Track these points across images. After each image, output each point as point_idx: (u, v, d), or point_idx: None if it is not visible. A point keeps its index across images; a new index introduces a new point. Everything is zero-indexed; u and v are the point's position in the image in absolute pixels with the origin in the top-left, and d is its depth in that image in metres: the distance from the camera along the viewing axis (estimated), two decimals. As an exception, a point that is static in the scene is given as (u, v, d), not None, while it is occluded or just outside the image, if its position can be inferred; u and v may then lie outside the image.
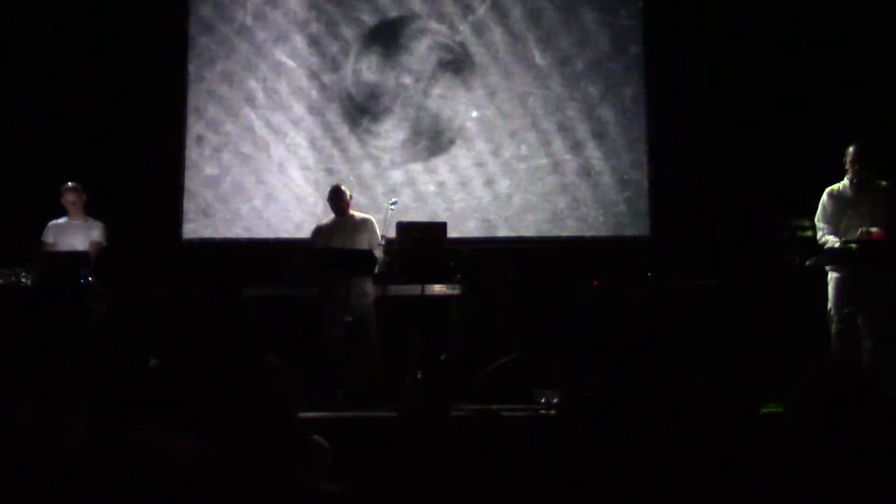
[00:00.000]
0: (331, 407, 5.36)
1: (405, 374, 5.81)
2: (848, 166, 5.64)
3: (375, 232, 6.23)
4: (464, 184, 7.53)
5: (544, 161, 7.51)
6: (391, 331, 6.22)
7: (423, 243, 5.92)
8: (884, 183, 5.62)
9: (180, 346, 5.99)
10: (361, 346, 6.01)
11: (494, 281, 7.02)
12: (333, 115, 7.62)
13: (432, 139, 7.58)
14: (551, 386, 5.26)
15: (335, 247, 6.19)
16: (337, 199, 6.37)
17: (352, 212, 6.43)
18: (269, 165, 7.60)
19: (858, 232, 5.43)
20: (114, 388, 2.71)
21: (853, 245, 5.36)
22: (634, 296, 6.34)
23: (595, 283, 6.58)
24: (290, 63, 7.65)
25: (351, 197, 6.46)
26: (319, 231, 6.47)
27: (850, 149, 5.63)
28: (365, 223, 6.32)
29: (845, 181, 5.69)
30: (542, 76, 7.57)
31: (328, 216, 6.55)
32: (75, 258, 6.07)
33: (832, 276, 5.61)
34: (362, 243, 6.19)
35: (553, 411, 4.89)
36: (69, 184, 6.53)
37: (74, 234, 6.47)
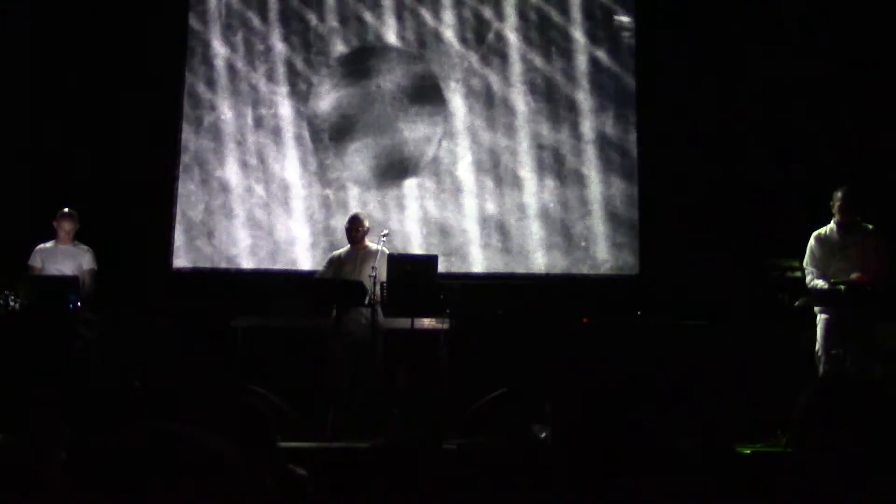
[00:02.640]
0: (318, 437, 5.32)
1: (393, 407, 5.80)
2: (834, 210, 5.72)
3: (384, 263, 6.20)
4: (454, 219, 7.55)
5: (533, 198, 7.55)
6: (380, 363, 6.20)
7: (413, 276, 5.92)
8: (870, 226, 5.69)
9: (167, 375, 5.95)
10: (361, 374, 5.99)
11: (484, 316, 7.02)
12: (320, 148, 7.65)
13: (421, 173, 7.61)
14: (540, 421, 5.24)
15: (345, 275, 6.21)
16: (354, 227, 6.38)
17: (367, 242, 6.43)
18: (259, 197, 7.61)
19: (852, 275, 5.47)
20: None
21: (841, 287, 5.41)
22: (623, 334, 6.34)
23: (585, 320, 6.59)
24: (278, 97, 7.71)
25: (368, 228, 6.46)
26: (332, 260, 6.49)
27: (837, 192, 5.70)
28: (375, 254, 6.29)
29: (832, 224, 5.76)
30: (533, 111, 7.64)
31: (344, 246, 6.55)
32: (64, 283, 6.05)
33: (821, 317, 5.65)
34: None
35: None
36: (66, 210, 6.51)
37: (63, 258, 6.44)
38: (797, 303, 5.63)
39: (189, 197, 7.63)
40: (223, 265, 7.56)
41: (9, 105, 7.42)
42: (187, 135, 7.70)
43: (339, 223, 7.35)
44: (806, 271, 5.80)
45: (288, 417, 5.42)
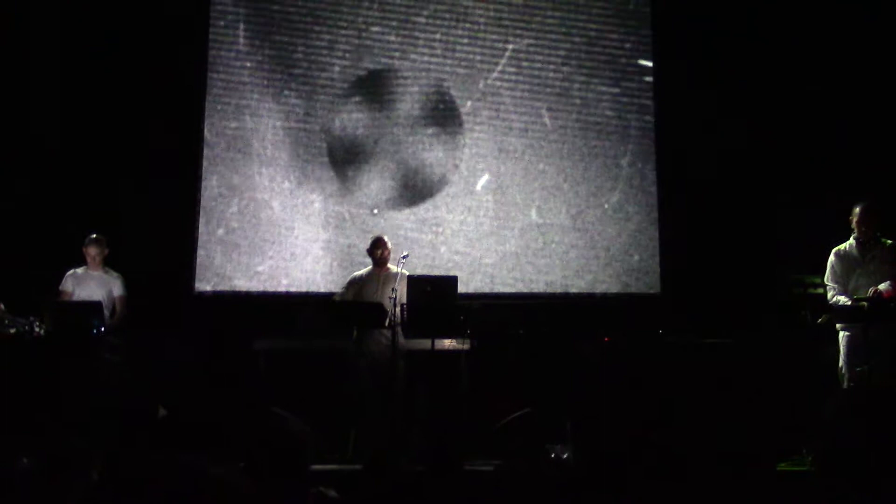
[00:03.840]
0: (340, 459, 5.34)
1: (415, 428, 5.81)
2: (854, 225, 5.71)
3: (404, 285, 6.22)
4: (473, 239, 7.57)
5: (555, 218, 7.56)
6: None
7: (433, 297, 5.93)
8: (889, 242, 5.68)
9: (191, 399, 5.99)
10: (383, 395, 6.01)
11: (504, 336, 7.02)
12: (336, 171, 7.70)
13: (440, 194, 7.65)
14: (562, 441, 5.23)
15: (367, 297, 6.26)
16: (380, 248, 6.45)
17: (389, 265, 6.47)
18: (280, 220, 7.67)
19: (869, 291, 5.45)
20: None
21: (864, 303, 5.38)
22: (645, 353, 6.32)
23: (606, 339, 6.57)
24: (294, 122, 7.78)
25: (390, 251, 6.50)
26: (353, 281, 6.54)
27: (856, 208, 5.71)
28: (396, 276, 6.32)
29: (851, 241, 5.76)
30: (552, 133, 7.66)
31: (366, 267, 6.62)
32: (88, 308, 6.11)
33: (843, 334, 5.63)
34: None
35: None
36: (94, 236, 6.60)
37: (93, 284, 6.52)
38: (820, 319, 5.60)
39: (210, 221, 7.70)
40: (245, 288, 7.61)
41: (36, 133, 7.56)
42: (208, 161, 7.78)
43: (359, 244, 7.41)
44: (827, 288, 5.79)
45: (310, 439, 5.42)
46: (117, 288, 6.58)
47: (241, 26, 7.92)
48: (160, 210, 7.49)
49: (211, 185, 7.74)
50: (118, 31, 7.77)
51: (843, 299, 5.62)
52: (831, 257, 5.81)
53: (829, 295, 5.75)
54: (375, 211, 7.64)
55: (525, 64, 7.77)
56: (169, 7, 7.77)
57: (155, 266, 7.27)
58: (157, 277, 7.26)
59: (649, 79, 7.69)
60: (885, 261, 5.63)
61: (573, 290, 7.49)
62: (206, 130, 7.80)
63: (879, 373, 5.31)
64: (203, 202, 7.71)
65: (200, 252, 7.65)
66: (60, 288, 6.53)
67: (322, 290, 7.46)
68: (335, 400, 6.14)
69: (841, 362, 5.60)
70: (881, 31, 7.20)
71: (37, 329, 5.91)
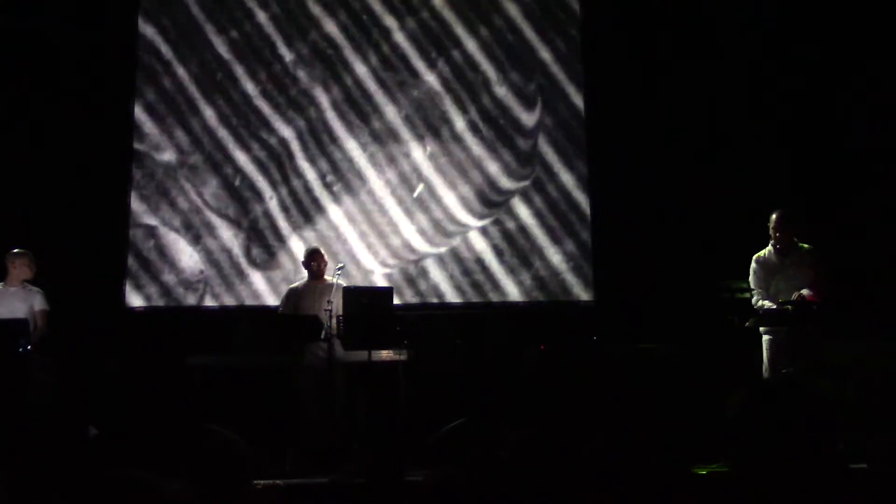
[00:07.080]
0: (278, 474, 5.29)
1: (353, 440, 5.79)
2: (771, 232, 5.89)
3: (339, 297, 6.22)
4: (408, 250, 7.60)
5: (487, 227, 7.64)
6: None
7: (369, 308, 5.94)
8: (806, 246, 5.87)
9: (124, 416, 5.88)
10: (323, 408, 5.98)
11: (441, 346, 7.05)
12: (270, 183, 7.67)
13: (376, 203, 7.66)
14: (500, 449, 5.27)
15: (304, 310, 6.26)
16: (317, 261, 6.51)
17: (326, 276, 6.48)
18: (213, 235, 7.59)
19: (794, 295, 5.62)
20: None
21: (788, 306, 5.56)
22: (580, 359, 6.41)
23: (542, 347, 6.65)
24: (227, 132, 7.74)
25: (326, 262, 6.55)
26: (291, 293, 6.56)
27: (774, 215, 5.88)
28: (332, 287, 6.30)
29: (770, 247, 5.93)
30: (483, 141, 7.74)
31: (301, 279, 6.65)
32: (14, 326, 5.93)
33: (765, 337, 5.79)
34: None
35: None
36: (19, 250, 6.42)
37: (13, 301, 6.33)
38: (748, 323, 5.76)
39: (142, 234, 7.57)
40: (177, 302, 7.50)
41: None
42: (137, 169, 7.66)
43: (294, 255, 7.38)
44: (753, 292, 5.96)
45: (246, 454, 5.37)
46: (38, 302, 6.40)
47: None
48: (90, 223, 7.34)
49: (141, 197, 7.62)
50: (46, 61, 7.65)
51: (767, 303, 5.80)
52: (752, 263, 5.99)
53: (754, 300, 5.93)
54: (313, 223, 7.62)
55: (459, 76, 7.83)
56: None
57: (85, 281, 7.12)
58: (87, 292, 7.11)
59: (578, 89, 7.83)
60: (804, 265, 5.82)
61: (509, 298, 7.56)
62: (135, 140, 7.69)
63: (803, 374, 5.49)
64: (133, 215, 7.58)
65: (131, 265, 7.51)
66: None
67: (256, 303, 7.42)
68: (272, 415, 6.09)
69: (764, 365, 5.77)
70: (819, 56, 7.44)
71: (-40, 350, 5.72)
